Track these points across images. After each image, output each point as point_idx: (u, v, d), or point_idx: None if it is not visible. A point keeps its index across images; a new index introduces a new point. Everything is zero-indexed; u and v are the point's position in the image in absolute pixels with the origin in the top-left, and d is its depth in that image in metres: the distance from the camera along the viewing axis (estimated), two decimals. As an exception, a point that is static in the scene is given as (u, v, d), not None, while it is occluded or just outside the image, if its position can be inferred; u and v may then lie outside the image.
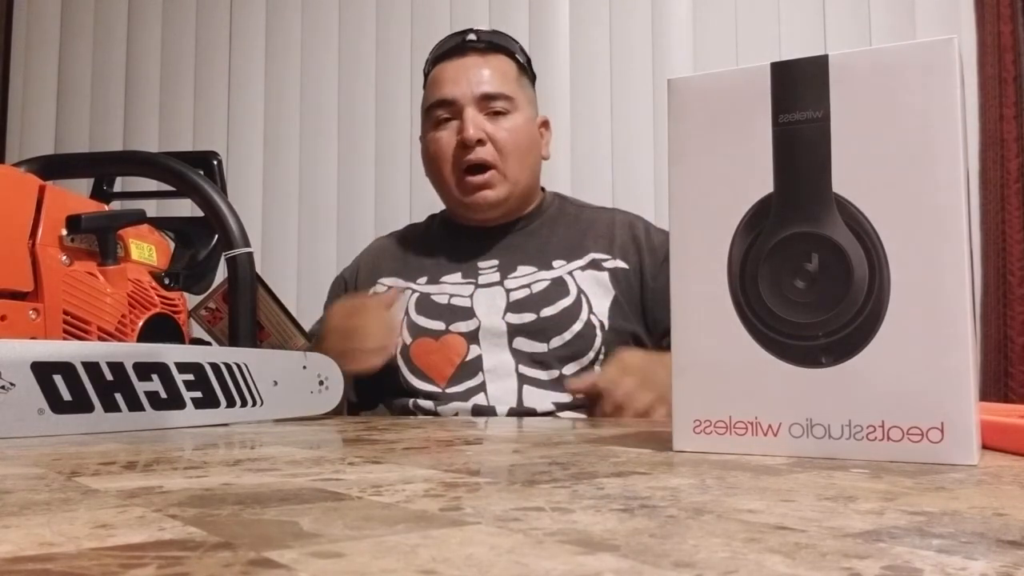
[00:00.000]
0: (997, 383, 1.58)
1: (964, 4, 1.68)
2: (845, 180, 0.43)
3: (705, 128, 0.47)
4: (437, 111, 1.13)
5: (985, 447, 0.46)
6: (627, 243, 1.13)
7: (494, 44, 1.15)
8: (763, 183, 0.45)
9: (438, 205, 1.25)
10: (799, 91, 0.44)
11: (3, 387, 0.52)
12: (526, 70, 1.19)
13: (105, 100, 2.08)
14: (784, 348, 0.44)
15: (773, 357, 0.44)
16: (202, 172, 0.83)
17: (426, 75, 1.19)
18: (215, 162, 0.91)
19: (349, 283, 1.21)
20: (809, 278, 0.44)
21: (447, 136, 1.12)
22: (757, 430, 0.44)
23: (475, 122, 1.09)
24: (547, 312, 1.05)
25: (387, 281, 1.16)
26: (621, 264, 1.10)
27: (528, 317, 1.05)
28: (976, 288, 1.61)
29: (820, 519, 0.25)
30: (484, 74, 1.12)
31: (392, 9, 1.94)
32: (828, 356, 0.43)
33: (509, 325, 1.05)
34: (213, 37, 2.04)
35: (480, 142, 1.09)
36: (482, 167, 1.10)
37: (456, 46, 1.15)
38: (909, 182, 0.42)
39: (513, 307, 1.06)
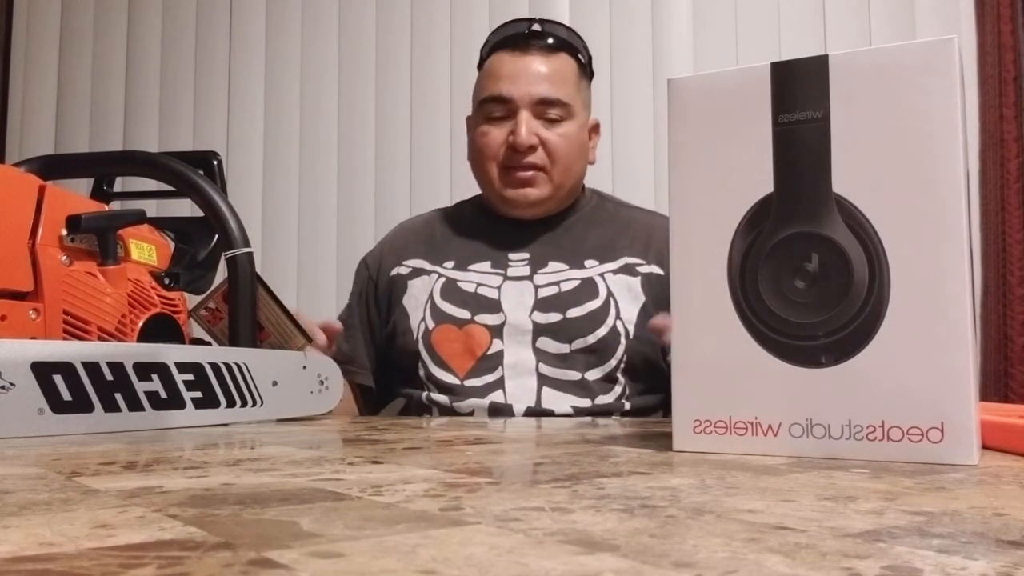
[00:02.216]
0: (997, 383, 1.58)
1: (964, 4, 1.68)
2: (845, 180, 0.43)
3: (705, 128, 0.47)
4: (491, 106, 1.09)
5: (985, 447, 0.46)
6: (664, 249, 1.08)
7: (559, 41, 1.11)
8: (763, 183, 0.45)
9: (444, 204, 1.25)
10: (799, 91, 0.44)
11: (3, 387, 0.52)
12: (586, 70, 1.15)
13: (105, 100, 2.08)
14: (784, 348, 0.44)
15: (773, 357, 0.44)
16: (202, 172, 0.83)
17: (483, 58, 1.15)
18: (215, 162, 0.91)
19: (371, 269, 1.18)
20: (809, 278, 0.44)
21: (497, 133, 1.09)
22: (757, 430, 0.44)
23: (529, 127, 1.06)
24: (573, 313, 1.03)
25: (412, 263, 1.13)
26: (656, 270, 1.08)
27: (554, 316, 1.03)
28: (976, 288, 1.61)
29: (820, 519, 0.25)
30: (545, 77, 1.08)
31: (392, 10, 1.94)
32: (828, 356, 0.43)
33: (535, 324, 1.03)
34: (213, 37, 2.04)
35: (531, 148, 1.07)
36: (528, 167, 1.08)
37: (520, 37, 1.10)
38: (909, 182, 0.42)
39: (540, 305, 1.04)
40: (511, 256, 1.09)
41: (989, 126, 1.62)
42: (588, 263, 1.08)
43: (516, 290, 1.06)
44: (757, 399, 0.44)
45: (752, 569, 0.19)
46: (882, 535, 0.23)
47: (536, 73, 1.08)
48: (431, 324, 1.05)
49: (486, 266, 1.09)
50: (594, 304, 1.04)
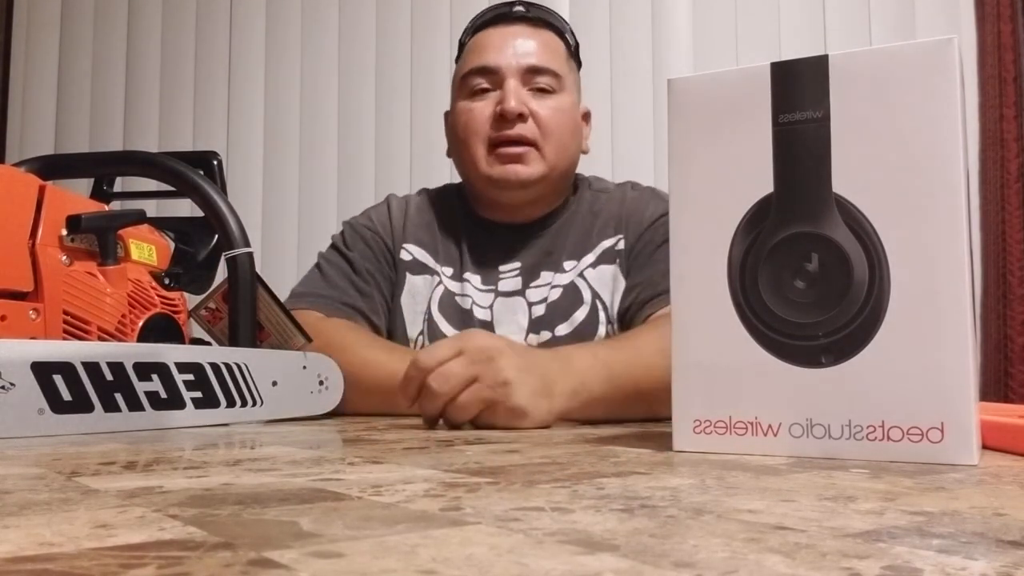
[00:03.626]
0: (997, 383, 1.58)
1: (964, 4, 1.68)
2: (845, 180, 0.43)
3: (705, 128, 0.47)
4: (474, 79, 0.99)
5: (985, 447, 0.46)
6: (631, 217, 1.01)
7: (545, 20, 1.03)
8: (763, 183, 0.45)
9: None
10: (799, 91, 0.44)
11: (3, 387, 0.52)
12: (574, 54, 1.06)
13: (105, 100, 2.08)
14: (784, 348, 0.44)
15: (773, 357, 0.44)
16: (202, 172, 0.83)
17: (463, 44, 1.06)
18: (215, 162, 0.91)
19: (384, 234, 1.03)
20: (809, 278, 0.44)
21: (483, 107, 0.98)
22: (757, 430, 0.44)
23: (518, 95, 0.96)
24: (562, 330, 0.96)
25: (413, 250, 1.02)
26: (622, 244, 1.00)
27: (545, 336, 0.96)
28: (976, 288, 1.61)
29: (820, 519, 0.25)
30: (532, 45, 0.99)
31: (392, 9, 1.94)
32: (828, 356, 0.43)
33: (529, 347, 0.93)
34: (213, 37, 2.04)
35: (521, 117, 0.96)
36: (518, 142, 0.97)
37: (503, 14, 1.03)
38: (909, 182, 0.42)
39: (534, 325, 0.96)
40: (501, 268, 1.01)
41: (989, 126, 1.62)
42: (567, 264, 1.00)
43: (509, 310, 0.98)
44: (757, 399, 0.44)
45: (752, 569, 0.19)
46: (882, 535, 0.23)
47: (523, 41, 0.99)
48: (428, 342, 0.97)
49: (478, 280, 1.00)
50: (581, 314, 0.97)
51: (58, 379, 0.55)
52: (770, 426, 0.44)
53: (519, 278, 1.00)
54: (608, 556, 0.20)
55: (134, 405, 0.60)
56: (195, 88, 2.04)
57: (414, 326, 0.99)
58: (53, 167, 0.85)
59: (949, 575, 0.19)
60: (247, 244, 0.79)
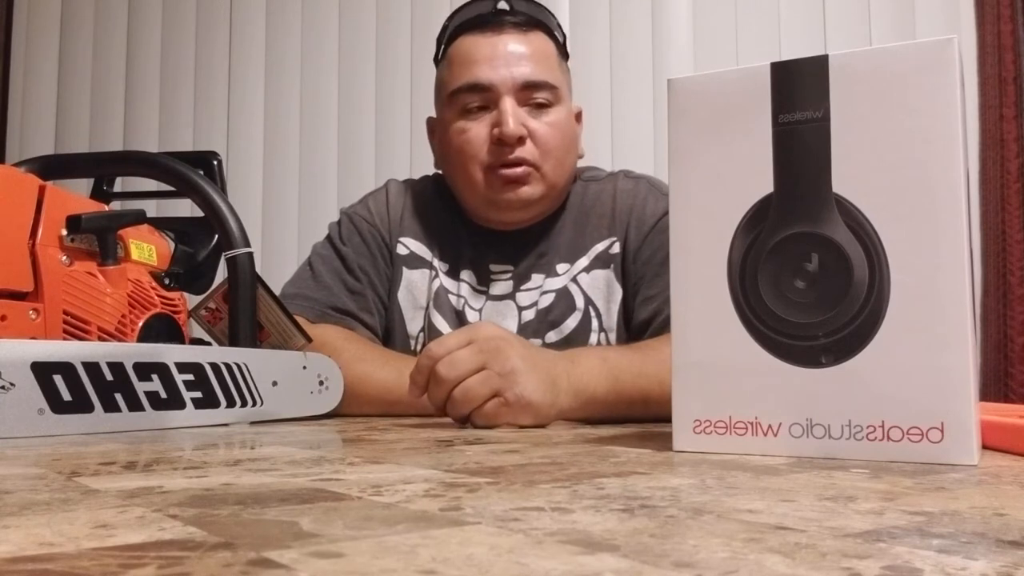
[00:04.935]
0: (997, 383, 1.58)
1: (964, 4, 1.68)
2: (845, 180, 0.43)
3: (705, 128, 0.47)
4: (467, 97, 0.95)
5: (985, 447, 0.46)
6: (624, 216, 0.98)
7: (532, 18, 0.97)
8: (763, 183, 0.45)
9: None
10: (799, 91, 0.44)
11: (3, 387, 0.52)
12: (564, 50, 1.01)
13: (105, 100, 2.08)
14: (784, 348, 0.44)
15: (773, 357, 0.44)
16: (202, 172, 0.83)
17: (446, 45, 1.01)
18: (215, 162, 0.91)
19: (382, 228, 1.01)
20: (809, 278, 0.44)
21: (478, 129, 0.94)
22: (757, 430, 0.44)
23: (516, 116, 0.92)
24: (552, 338, 0.94)
25: (410, 243, 1.00)
26: (617, 247, 0.97)
27: (535, 343, 0.92)
28: (976, 288, 1.61)
29: (820, 519, 0.25)
30: (526, 57, 0.94)
31: (392, 9, 1.94)
32: (828, 356, 0.43)
33: None
34: (213, 37, 2.04)
35: (520, 140, 0.93)
36: (517, 163, 0.94)
37: (489, 16, 0.96)
38: (909, 182, 0.42)
39: (523, 331, 0.94)
40: (493, 268, 0.98)
41: (989, 126, 1.62)
42: (560, 267, 0.97)
43: (498, 312, 0.96)
44: (757, 399, 0.44)
45: (752, 569, 0.19)
46: (882, 535, 0.23)
47: (515, 53, 0.94)
48: (428, 339, 0.95)
49: (472, 279, 0.98)
50: (572, 321, 0.94)
51: (58, 379, 0.55)
52: (770, 426, 0.44)
53: (511, 281, 0.98)
54: (608, 556, 0.20)
55: (134, 405, 0.60)
56: (195, 88, 2.04)
57: (414, 323, 0.98)
58: (53, 167, 0.85)
59: (949, 575, 0.19)
60: (247, 244, 0.79)
